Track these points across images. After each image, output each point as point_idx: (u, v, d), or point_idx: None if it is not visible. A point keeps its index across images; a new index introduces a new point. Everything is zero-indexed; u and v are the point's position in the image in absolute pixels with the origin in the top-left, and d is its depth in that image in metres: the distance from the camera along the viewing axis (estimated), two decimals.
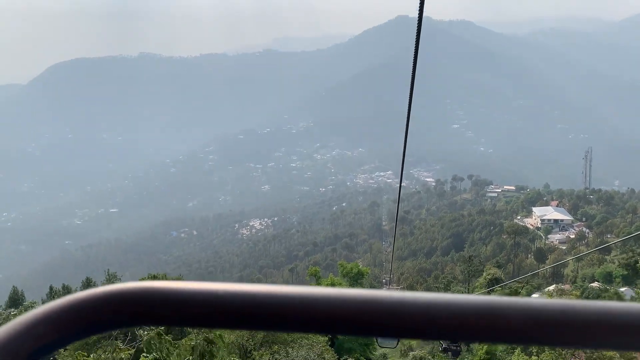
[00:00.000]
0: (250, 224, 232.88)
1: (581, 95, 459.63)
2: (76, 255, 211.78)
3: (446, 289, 55.99)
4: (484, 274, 42.88)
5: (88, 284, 40.43)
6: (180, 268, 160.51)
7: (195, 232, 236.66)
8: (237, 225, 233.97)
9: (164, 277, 39.01)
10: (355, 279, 35.08)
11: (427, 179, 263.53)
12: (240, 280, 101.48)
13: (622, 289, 50.41)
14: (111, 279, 36.28)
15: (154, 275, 39.14)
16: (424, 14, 4.26)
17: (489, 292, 36.62)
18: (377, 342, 26.31)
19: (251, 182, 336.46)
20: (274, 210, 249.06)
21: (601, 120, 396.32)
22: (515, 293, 35.29)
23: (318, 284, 32.69)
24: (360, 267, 36.75)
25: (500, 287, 30.64)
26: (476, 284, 42.14)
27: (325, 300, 0.65)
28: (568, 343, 0.61)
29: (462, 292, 53.20)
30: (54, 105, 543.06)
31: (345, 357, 29.77)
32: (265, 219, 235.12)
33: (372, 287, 74.52)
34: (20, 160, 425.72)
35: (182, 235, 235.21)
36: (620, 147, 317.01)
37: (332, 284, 32.04)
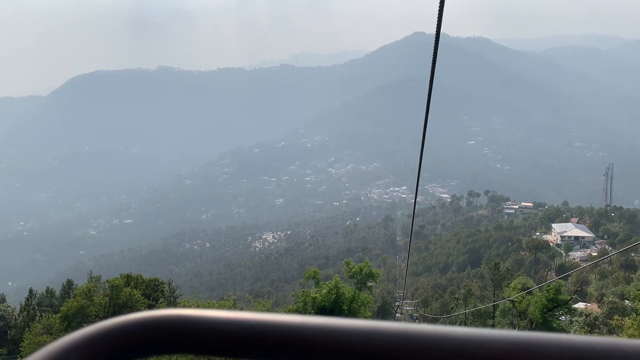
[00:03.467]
0: (263, 237, 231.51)
1: (599, 113, 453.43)
2: (89, 265, 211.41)
3: (465, 299, 53.78)
4: (514, 282, 40.84)
5: (69, 286, 39.62)
6: (192, 280, 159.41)
7: (208, 244, 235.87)
8: (250, 238, 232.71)
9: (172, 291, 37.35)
10: (363, 282, 31.01)
11: (443, 195, 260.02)
12: (251, 293, 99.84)
13: None
14: (94, 281, 34.95)
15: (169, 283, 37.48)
16: (441, 31, 4.41)
17: (521, 297, 34.20)
18: None
19: (265, 195, 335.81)
20: (287, 223, 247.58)
21: (620, 139, 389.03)
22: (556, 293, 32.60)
23: (318, 287, 30.21)
24: (370, 268, 31.76)
25: (527, 293, 28.61)
26: (506, 291, 39.98)
27: (362, 331, 0.63)
28: None
29: (488, 302, 50.87)
30: (73, 116, 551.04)
31: None
32: (278, 232, 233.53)
33: (383, 298, 72.31)
34: (39, 171, 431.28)
35: (195, 247, 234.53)
36: (639, 167, 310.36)
37: (336, 287, 29.40)
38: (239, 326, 0.68)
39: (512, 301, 34.72)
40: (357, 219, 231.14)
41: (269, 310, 29.09)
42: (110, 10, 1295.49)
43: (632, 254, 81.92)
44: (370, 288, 32.38)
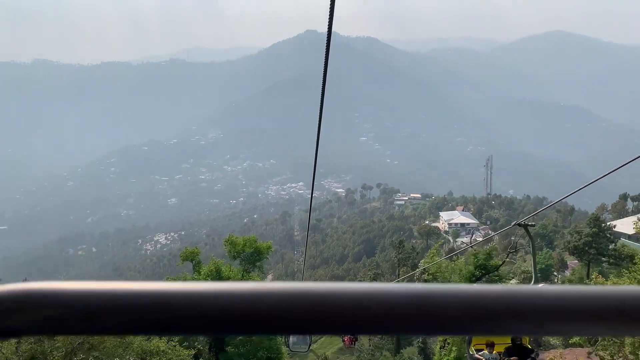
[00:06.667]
0: (155, 238, 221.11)
1: (477, 111, 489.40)
2: None
3: (373, 280, 54.10)
4: (431, 250, 41.02)
5: None
6: None
7: (94, 249, 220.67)
8: (140, 240, 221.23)
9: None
10: (252, 261, 26.77)
11: (338, 189, 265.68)
12: None
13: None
14: None
15: None
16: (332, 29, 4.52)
17: (438, 265, 33.30)
18: (288, 346, 22.05)
19: (156, 195, 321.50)
20: (182, 224, 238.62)
21: (496, 134, 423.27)
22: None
23: (197, 272, 26.16)
24: (257, 242, 27.14)
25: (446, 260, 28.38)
26: (424, 261, 39.62)
27: (233, 296, 0.56)
28: (505, 331, 0.59)
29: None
30: None
31: None
32: (172, 233, 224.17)
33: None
34: None
35: (80, 252, 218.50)
36: (513, 159, 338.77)
37: (217, 271, 25.36)
38: (104, 297, 0.54)
39: (429, 272, 34.08)
40: (255, 216, 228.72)
41: None
42: None
43: (513, 238, 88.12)
44: (261, 268, 28.19)
